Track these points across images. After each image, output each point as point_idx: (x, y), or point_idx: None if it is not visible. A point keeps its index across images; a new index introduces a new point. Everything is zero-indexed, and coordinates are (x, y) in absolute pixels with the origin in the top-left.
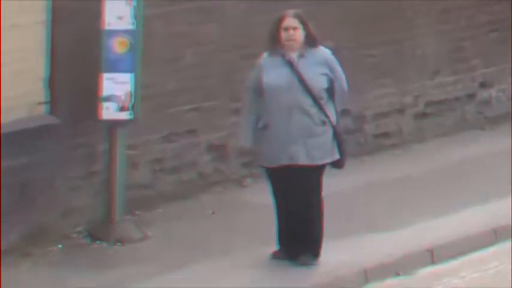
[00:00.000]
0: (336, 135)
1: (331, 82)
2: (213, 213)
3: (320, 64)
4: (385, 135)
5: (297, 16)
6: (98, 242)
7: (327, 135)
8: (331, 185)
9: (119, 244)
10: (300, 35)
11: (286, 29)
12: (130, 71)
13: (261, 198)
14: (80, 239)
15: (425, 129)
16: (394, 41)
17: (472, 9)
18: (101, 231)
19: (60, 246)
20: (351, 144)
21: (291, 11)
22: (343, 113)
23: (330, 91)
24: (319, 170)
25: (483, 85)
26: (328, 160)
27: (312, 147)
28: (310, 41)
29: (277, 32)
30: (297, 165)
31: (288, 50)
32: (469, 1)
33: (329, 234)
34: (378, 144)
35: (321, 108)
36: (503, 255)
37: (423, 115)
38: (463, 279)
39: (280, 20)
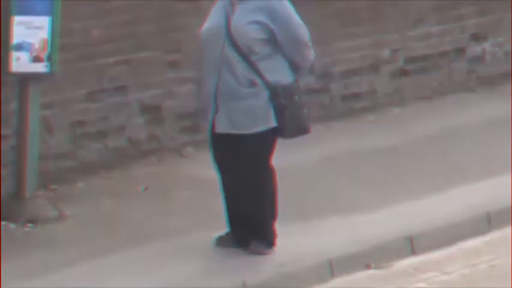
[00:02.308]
0: (274, 99)
1: (270, 32)
2: (145, 188)
3: (257, 10)
4: (356, 96)
5: None
6: (4, 221)
7: (257, 98)
8: (288, 157)
9: (30, 225)
10: None
11: None
12: (46, 14)
13: (205, 170)
14: None
15: (404, 90)
16: None
17: None
18: (8, 209)
19: None
20: (313, 107)
21: None
22: None
23: (275, 44)
24: (254, 139)
25: (475, 37)
26: (259, 129)
27: (234, 113)
28: None
29: None
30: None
31: None
32: None
33: (285, 217)
34: (347, 108)
35: (250, 64)
36: (500, 247)
37: (402, 73)
38: (449, 275)
39: None
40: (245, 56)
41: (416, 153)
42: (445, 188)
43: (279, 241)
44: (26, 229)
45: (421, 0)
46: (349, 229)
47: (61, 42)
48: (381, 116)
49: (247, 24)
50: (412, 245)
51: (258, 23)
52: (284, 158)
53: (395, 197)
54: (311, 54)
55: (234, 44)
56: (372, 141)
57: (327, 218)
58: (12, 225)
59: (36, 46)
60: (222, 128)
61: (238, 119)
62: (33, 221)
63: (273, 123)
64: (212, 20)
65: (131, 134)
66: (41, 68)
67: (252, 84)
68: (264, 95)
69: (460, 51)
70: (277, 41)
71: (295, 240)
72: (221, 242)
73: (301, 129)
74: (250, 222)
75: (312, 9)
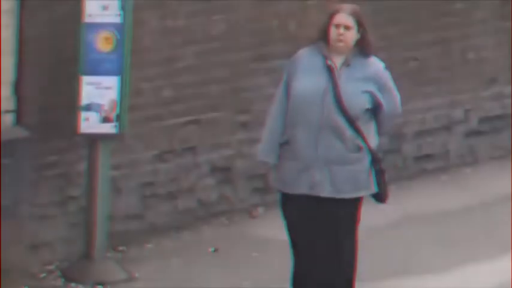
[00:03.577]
0: (374, 164)
1: (375, 102)
2: (215, 250)
3: (366, 79)
4: (429, 157)
5: (354, 13)
6: (73, 283)
7: (361, 164)
8: (362, 217)
9: (99, 286)
10: (351, 36)
11: (337, 26)
12: (116, 74)
13: (275, 232)
14: (52, 279)
15: (477, 150)
16: (442, 40)
17: None
18: (77, 270)
19: None
20: (386, 168)
21: (347, 5)
22: None
23: (372, 111)
24: (352, 204)
25: None
26: (361, 194)
27: (340, 177)
28: (363, 48)
29: (326, 28)
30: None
31: (333, 52)
32: None
33: (359, 277)
34: (420, 168)
35: (357, 131)
36: None
37: (476, 133)
38: None
39: (333, 13)
40: (353, 122)
41: (490, 213)
42: None
43: None
44: None
45: (495, 59)
46: None
47: (130, 102)
48: (454, 176)
49: (361, 93)
50: None
51: (369, 92)
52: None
53: (468, 258)
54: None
55: (343, 110)
56: (445, 202)
57: (401, 279)
58: (81, 287)
59: (106, 107)
60: (326, 192)
61: (343, 185)
62: (102, 283)
63: (374, 188)
64: (313, 80)
65: (201, 195)
66: (110, 128)
67: (359, 149)
68: (367, 160)
69: None
70: (379, 111)
71: None
72: None
73: (388, 195)
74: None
75: None
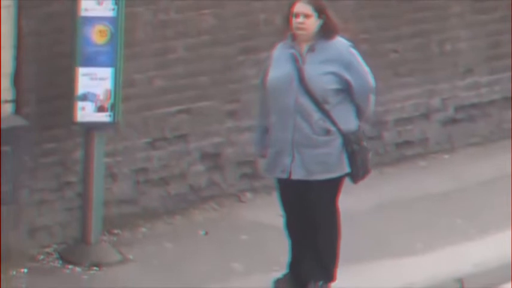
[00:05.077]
0: (347, 146)
1: (343, 82)
2: (206, 233)
3: (330, 61)
4: (408, 144)
5: (311, 1)
6: (70, 265)
7: (331, 146)
8: (344, 201)
9: (95, 268)
10: (311, 23)
11: (296, 15)
12: (110, 66)
13: (263, 216)
14: (49, 262)
15: (455, 137)
16: (420, 33)
17: None
18: (73, 253)
19: (25, 270)
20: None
21: None
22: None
23: (345, 92)
24: (327, 185)
25: None
26: (333, 175)
27: (310, 160)
28: (326, 32)
29: (288, 19)
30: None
31: (298, 41)
32: None
33: (341, 259)
34: (400, 155)
35: (325, 113)
36: None
37: (453, 121)
38: None
39: (292, 3)
40: (320, 105)
41: (467, 197)
42: (494, 231)
43: (332, 284)
44: (91, 272)
45: (471, 51)
46: (400, 272)
47: (124, 92)
48: (432, 163)
49: (322, 75)
50: (462, 286)
51: (332, 73)
52: (340, 202)
53: (445, 240)
54: (372, 98)
55: (308, 94)
56: (424, 187)
57: (378, 261)
58: (78, 269)
59: (101, 97)
60: (297, 174)
61: (314, 167)
62: (98, 264)
63: (346, 169)
64: (280, 70)
65: (192, 181)
66: (104, 117)
67: (327, 132)
68: (337, 142)
69: (509, 100)
70: (350, 90)
71: (349, 280)
72: (279, 284)
73: (367, 172)
74: (312, 265)
75: (366, 61)
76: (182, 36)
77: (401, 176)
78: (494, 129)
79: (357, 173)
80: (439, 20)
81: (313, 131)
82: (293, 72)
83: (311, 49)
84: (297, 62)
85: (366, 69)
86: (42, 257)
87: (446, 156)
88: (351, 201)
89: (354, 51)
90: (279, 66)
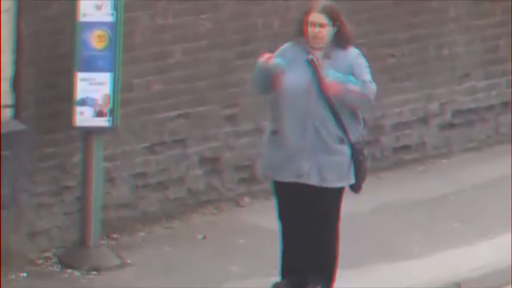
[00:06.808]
0: (354, 156)
1: None
2: (204, 237)
3: (346, 69)
4: (406, 148)
5: (326, 10)
6: (69, 269)
7: (343, 155)
8: (343, 206)
9: (94, 272)
10: (326, 33)
11: (312, 24)
12: (109, 70)
13: (261, 220)
14: (49, 265)
15: (452, 142)
16: (417, 37)
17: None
18: (72, 257)
19: (24, 274)
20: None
21: (319, 3)
22: None
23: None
24: (336, 193)
25: None
26: (343, 184)
27: (325, 167)
28: (340, 40)
29: (302, 27)
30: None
31: (312, 47)
32: None
33: (340, 263)
34: (398, 159)
35: (339, 122)
36: None
37: (450, 126)
38: None
39: (307, 12)
40: (335, 113)
41: (465, 201)
42: (493, 235)
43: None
44: (90, 276)
45: (468, 56)
46: (399, 275)
47: (122, 97)
48: (430, 167)
49: None
50: None
51: None
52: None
53: (444, 244)
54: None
55: (326, 101)
56: (422, 191)
57: (377, 264)
58: (76, 273)
59: (99, 101)
60: (312, 180)
61: (328, 173)
62: (96, 268)
63: (352, 180)
64: (298, 74)
65: (190, 185)
66: (103, 122)
67: (341, 141)
68: (348, 151)
69: (506, 104)
70: None
71: (349, 284)
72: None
73: (364, 180)
74: (312, 271)
75: None
76: (180, 40)
77: (399, 180)
78: (492, 133)
79: (360, 184)
80: (436, 24)
81: (330, 138)
82: (312, 78)
83: (327, 56)
84: (315, 69)
85: (368, 77)
86: (41, 261)
87: (444, 161)
88: (349, 206)
89: (362, 59)
90: (295, 70)
